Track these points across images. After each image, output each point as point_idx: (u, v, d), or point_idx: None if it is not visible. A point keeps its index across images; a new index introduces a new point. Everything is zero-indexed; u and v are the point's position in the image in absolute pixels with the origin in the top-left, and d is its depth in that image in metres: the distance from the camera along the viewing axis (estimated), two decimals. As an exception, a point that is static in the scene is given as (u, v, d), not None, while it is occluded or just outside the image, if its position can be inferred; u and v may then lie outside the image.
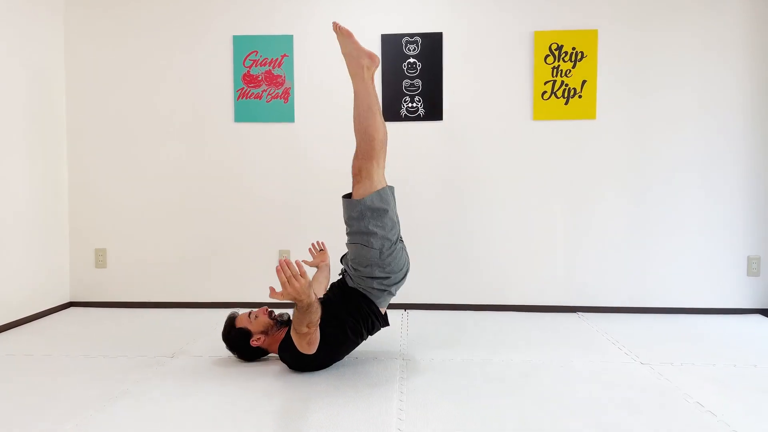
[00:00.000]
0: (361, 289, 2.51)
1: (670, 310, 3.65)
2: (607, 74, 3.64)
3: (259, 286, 3.82)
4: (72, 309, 3.82)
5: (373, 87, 2.55)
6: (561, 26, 3.64)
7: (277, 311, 2.68)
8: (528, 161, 3.69)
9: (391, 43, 3.70)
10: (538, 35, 3.64)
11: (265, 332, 2.56)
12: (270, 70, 3.73)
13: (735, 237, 3.63)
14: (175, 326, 3.34)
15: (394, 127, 3.74)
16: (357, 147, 2.51)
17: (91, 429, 1.93)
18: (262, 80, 3.74)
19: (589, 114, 3.65)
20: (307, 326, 2.24)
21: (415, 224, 3.70)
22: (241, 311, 2.72)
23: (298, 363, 2.46)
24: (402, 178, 3.75)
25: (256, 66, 3.73)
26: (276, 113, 3.75)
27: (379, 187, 2.47)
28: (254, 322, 2.57)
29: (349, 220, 2.50)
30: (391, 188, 2.53)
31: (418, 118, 3.73)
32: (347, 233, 2.53)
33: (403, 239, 2.62)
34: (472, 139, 3.71)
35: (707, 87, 3.60)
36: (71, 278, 3.89)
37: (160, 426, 1.95)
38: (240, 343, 2.58)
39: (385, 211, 2.45)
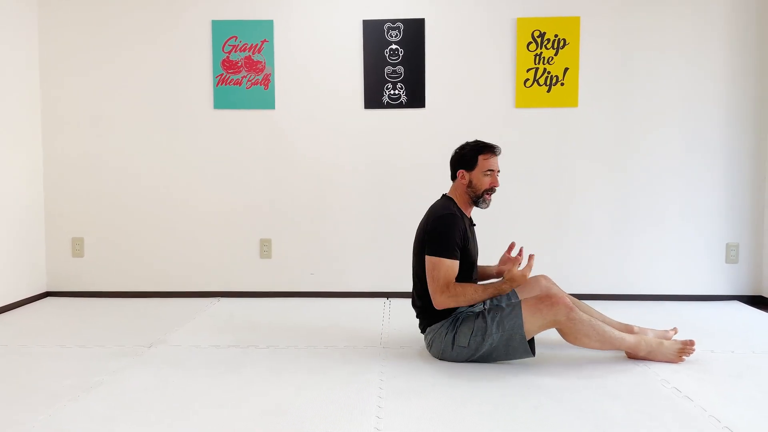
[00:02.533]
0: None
1: (650, 297, 3.68)
2: (589, 62, 3.63)
3: (240, 275, 3.78)
4: (48, 299, 3.76)
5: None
6: (543, 13, 3.62)
7: None
8: (510, 149, 3.67)
9: (373, 29, 3.65)
10: (520, 22, 3.62)
11: None
12: (250, 55, 3.67)
13: (714, 225, 3.66)
14: (153, 316, 3.30)
15: (376, 115, 3.71)
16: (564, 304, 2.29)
17: (65, 419, 1.90)
18: (241, 66, 3.68)
19: (571, 102, 3.65)
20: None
21: (397, 211, 3.68)
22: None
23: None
24: (384, 165, 3.72)
25: (235, 51, 3.67)
26: (256, 100, 3.70)
27: (527, 336, 2.30)
28: None
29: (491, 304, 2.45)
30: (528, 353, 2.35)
31: (401, 105, 3.70)
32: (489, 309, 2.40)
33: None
34: (454, 126, 3.69)
35: (689, 76, 3.61)
36: (47, 268, 3.82)
37: (134, 416, 1.92)
38: None
39: (492, 354, 2.36)
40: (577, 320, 2.27)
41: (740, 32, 3.58)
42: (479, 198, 2.45)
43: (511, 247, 2.57)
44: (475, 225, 2.60)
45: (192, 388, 2.18)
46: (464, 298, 2.33)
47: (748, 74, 3.59)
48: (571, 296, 2.60)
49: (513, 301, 2.49)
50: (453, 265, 2.35)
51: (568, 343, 2.46)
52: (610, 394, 2.10)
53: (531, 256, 2.40)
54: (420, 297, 2.49)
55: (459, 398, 2.06)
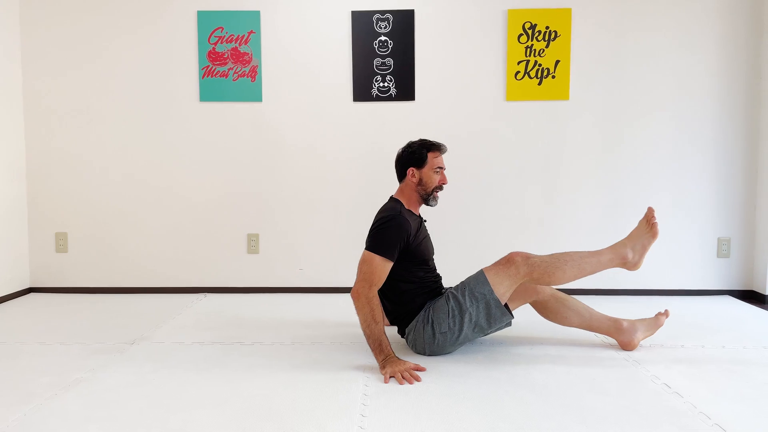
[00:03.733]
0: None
1: (641, 292, 3.65)
2: (581, 54, 3.59)
3: (227, 270, 3.73)
4: (32, 295, 3.69)
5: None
6: (534, 5, 3.57)
7: None
8: (501, 142, 3.64)
9: (362, 20, 3.59)
10: (511, 13, 3.57)
11: None
12: (236, 47, 3.60)
13: (706, 219, 3.63)
14: (138, 312, 3.24)
15: (364, 108, 3.65)
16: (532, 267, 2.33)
17: (40, 418, 1.85)
18: (228, 58, 3.61)
19: (563, 95, 3.61)
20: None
21: (386, 207, 3.63)
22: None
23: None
24: (373, 159, 3.67)
25: (221, 43, 3.60)
26: (243, 92, 3.63)
27: (502, 299, 2.34)
28: None
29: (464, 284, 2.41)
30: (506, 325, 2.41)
31: (390, 98, 3.64)
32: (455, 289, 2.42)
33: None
34: (444, 119, 3.64)
35: (682, 69, 3.57)
36: (31, 263, 3.75)
37: (111, 415, 1.87)
38: None
39: (479, 328, 2.37)
40: (537, 262, 2.30)
41: (734, 26, 3.54)
42: (429, 196, 2.47)
43: None
44: (425, 221, 2.60)
45: (172, 386, 2.12)
46: (367, 313, 2.25)
47: (742, 68, 3.55)
48: (555, 292, 2.58)
49: (473, 276, 2.45)
50: (382, 265, 2.30)
51: (557, 340, 2.42)
52: (598, 390, 2.06)
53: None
54: (389, 300, 2.47)
55: (445, 394, 2.02)
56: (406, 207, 2.47)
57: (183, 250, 3.73)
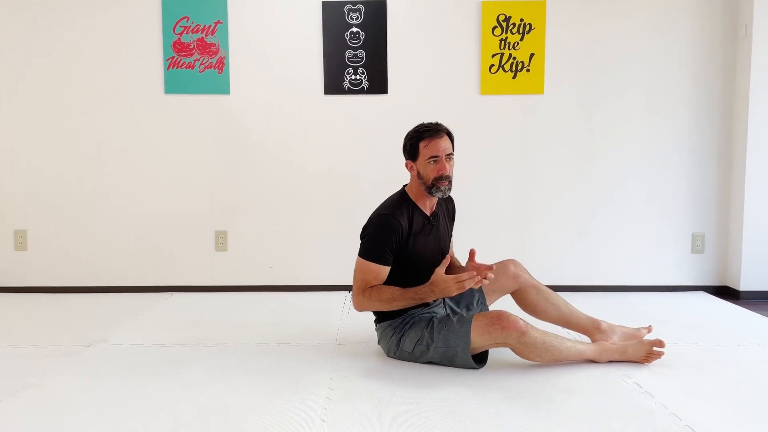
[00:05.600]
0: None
1: (614, 288, 3.62)
2: (556, 47, 3.53)
3: (194, 268, 3.61)
4: (-11, 295, 3.55)
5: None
6: (509, -4, 3.50)
7: None
8: (475, 137, 3.57)
9: (333, 11, 3.49)
10: (485, 5, 3.50)
11: None
12: (203, 37, 3.48)
13: (680, 214, 3.61)
14: (99, 312, 3.12)
15: (336, 101, 3.56)
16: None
17: (-22, 429, 1.74)
18: (194, 49, 3.49)
19: (537, 89, 3.55)
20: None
21: (358, 200, 3.53)
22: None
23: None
24: (344, 153, 3.58)
25: (187, 33, 3.48)
26: (210, 84, 3.51)
27: (474, 351, 2.16)
28: None
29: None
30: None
31: (363, 92, 3.55)
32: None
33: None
34: (418, 113, 3.53)
35: (656, 63, 3.53)
36: (-12, 262, 3.60)
37: (57, 423, 1.77)
38: None
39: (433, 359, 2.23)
40: (530, 344, 2.11)
41: (709, 20, 3.51)
42: (431, 188, 2.24)
43: (472, 254, 2.25)
44: (433, 223, 2.35)
45: (125, 391, 2.02)
46: (380, 304, 2.20)
47: (716, 63, 3.53)
48: (537, 283, 2.46)
49: (466, 313, 2.34)
50: (377, 270, 2.20)
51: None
52: (568, 390, 2.01)
53: (481, 273, 2.12)
54: None
55: (413, 399, 1.94)
56: (414, 200, 2.29)
57: (148, 248, 3.60)
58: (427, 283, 2.15)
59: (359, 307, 2.25)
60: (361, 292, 2.22)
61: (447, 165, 2.24)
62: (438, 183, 2.23)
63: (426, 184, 2.25)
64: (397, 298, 2.18)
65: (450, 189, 2.27)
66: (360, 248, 2.25)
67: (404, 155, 2.33)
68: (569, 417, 1.80)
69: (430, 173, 2.22)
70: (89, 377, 2.16)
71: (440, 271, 2.14)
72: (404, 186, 2.39)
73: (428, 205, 2.34)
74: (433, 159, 2.21)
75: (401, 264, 2.25)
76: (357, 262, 2.25)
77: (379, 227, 2.21)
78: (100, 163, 3.56)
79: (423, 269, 2.23)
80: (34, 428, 1.74)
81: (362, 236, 2.27)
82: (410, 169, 2.30)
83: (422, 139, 2.24)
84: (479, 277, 2.07)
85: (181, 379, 2.14)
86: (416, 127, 2.30)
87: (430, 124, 2.28)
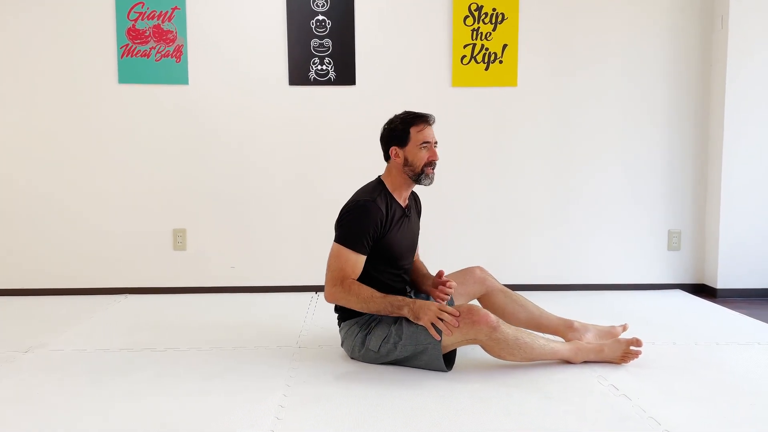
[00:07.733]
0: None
1: (590, 287, 3.51)
2: (529, 38, 3.42)
3: (151, 268, 3.41)
4: (-73, 299, 3.30)
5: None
6: (481, -15, 3.38)
7: None
8: (447, 131, 3.41)
9: (298, -3, 3.34)
10: (457, -6, 3.37)
11: None
12: (159, 24, 3.29)
13: (656, 211, 3.52)
14: (44, 316, 2.91)
15: (301, 92, 3.40)
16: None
17: None
18: (149, 36, 3.30)
19: (510, 81, 3.43)
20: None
21: (325, 197, 3.38)
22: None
23: None
24: (310, 147, 3.42)
25: (142, 19, 3.28)
26: (167, 74, 3.32)
27: (444, 350, 2.04)
28: None
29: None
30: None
31: (329, 83, 3.40)
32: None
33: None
34: (387, 105, 3.37)
35: (631, 56, 3.44)
36: (-74, 263, 3.35)
37: (-28, 440, 1.58)
38: None
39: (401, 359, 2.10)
40: (501, 340, 1.99)
41: (685, 14, 3.43)
42: (420, 175, 2.17)
43: (440, 276, 2.23)
44: (408, 216, 2.28)
45: (59, 400, 1.84)
46: (356, 300, 2.05)
47: (691, 57, 3.45)
48: (504, 288, 2.39)
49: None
50: (356, 260, 2.08)
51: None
52: (540, 393, 1.88)
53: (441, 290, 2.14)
54: None
55: (373, 405, 1.79)
56: (391, 191, 2.21)
57: (101, 247, 3.39)
58: (410, 299, 2.06)
59: (331, 298, 2.11)
60: (336, 282, 2.08)
61: (437, 153, 2.21)
62: (427, 169, 2.18)
63: (414, 171, 2.18)
64: (375, 300, 2.04)
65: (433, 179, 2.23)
66: (337, 234, 2.12)
67: (388, 143, 2.23)
68: (542, 424, 1.67)
69: (422, 158, 2.17)
70: (19, 385, 1.97)
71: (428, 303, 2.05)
72: (379, 176, 2.29)
73: (403, 197, 2.26)
74: (425, 144, 2.16)
75: (381, 259, 2.15)
76: (333, 248, 2.11)
77: (359, 213, 2.10)
78: (47, 158, 3.34)
79: (396, 262, 2.18)
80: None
81: (340, 222, 2.14)
82: (395, 156, 2.20)
83: (414, 125, 2.19)
84: (458, 324, 1.97)
85: (123, 386, 1.96)
86: (403, 113, 2.24)
87: (420, 112, 2.23)
